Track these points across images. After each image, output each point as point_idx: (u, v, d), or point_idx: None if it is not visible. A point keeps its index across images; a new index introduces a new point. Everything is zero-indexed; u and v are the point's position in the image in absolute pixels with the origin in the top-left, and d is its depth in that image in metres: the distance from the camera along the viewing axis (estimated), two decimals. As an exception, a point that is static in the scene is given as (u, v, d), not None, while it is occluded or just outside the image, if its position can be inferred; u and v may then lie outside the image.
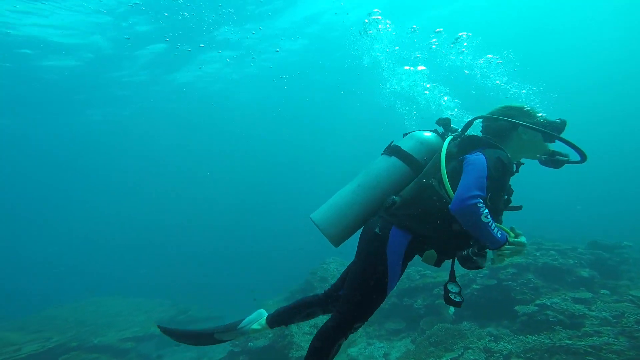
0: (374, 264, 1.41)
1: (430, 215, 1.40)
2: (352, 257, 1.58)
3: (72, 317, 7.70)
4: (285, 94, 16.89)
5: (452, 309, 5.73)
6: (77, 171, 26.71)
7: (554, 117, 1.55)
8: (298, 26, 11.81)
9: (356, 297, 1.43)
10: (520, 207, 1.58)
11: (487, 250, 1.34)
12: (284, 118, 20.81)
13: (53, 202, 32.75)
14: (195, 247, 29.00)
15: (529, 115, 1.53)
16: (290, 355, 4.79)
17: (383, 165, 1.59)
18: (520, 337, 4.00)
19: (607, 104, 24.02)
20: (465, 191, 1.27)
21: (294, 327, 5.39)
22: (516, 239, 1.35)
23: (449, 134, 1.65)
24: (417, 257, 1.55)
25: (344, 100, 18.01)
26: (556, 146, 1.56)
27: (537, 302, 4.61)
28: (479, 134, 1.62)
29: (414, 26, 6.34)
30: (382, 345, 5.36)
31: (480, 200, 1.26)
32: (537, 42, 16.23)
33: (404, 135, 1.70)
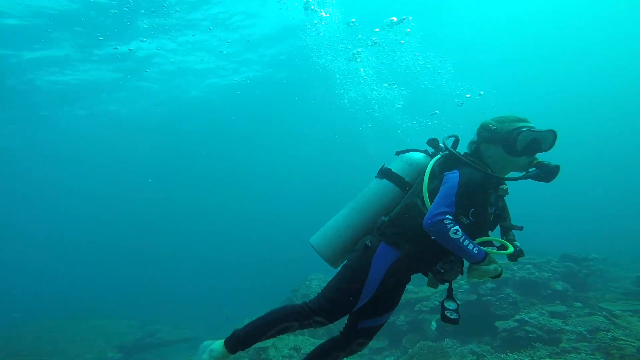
0: (357, 267, 1.48)
1: (416, 234, 1.44)
2: (332, 273, 1.61)
3: (5, 347, 6.56)
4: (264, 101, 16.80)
5: (434, 324, 5.65)
6: (37, 178, 24.57)
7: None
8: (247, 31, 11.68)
9: (330, 294, 1.50)
10: (521, 228, 1.56)
11: (456, 265, 1.43)
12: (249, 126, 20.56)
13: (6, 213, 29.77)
14: (169, 263, 27.28)
15: (491, 130, 1.52)
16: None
17: (375, 188, 1.68)
18: (502, 355, 3.94)
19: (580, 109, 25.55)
20: (434, 208, 1.35)
21: (271, 351, 5.05)
22: (489, 266, 1.35)
23: (440, 153, 1.67)
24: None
25: (311, 107, 18.13)
26: (548, 155, 1.50)
27: (517, 317, 4.63)
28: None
29: (353, 20, 6.60)
30: (364, 366, 5.14)
31: (448, 216, 1.32)
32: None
33: (397, 153, 1.77)
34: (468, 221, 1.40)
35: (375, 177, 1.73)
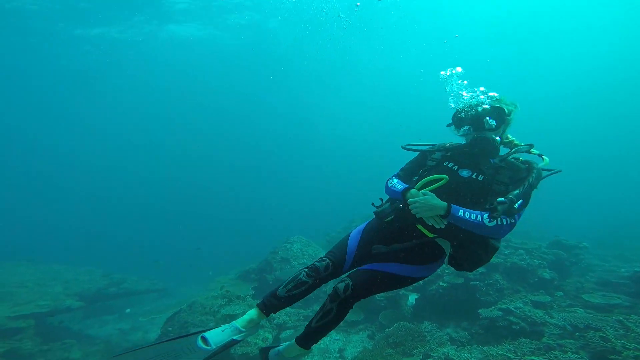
0: None
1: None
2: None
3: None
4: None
5: (411, 300, 5.49)
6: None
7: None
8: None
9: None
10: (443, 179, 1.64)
11: (390, 207, 1.69)
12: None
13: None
14: (145, 214, 26.43)
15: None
16: (233, 352, 4.17)
17: None
18: (484, 348, 3.72)
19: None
20: None
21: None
22: (416, 197, 1.52)
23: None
24: None
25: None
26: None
27: (501, 306, 4.41)
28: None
29: None
30: (338, 337, 5.00)
31: (392, 177, 1.82)
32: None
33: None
34: (417, 177, 1.78)
35: None
